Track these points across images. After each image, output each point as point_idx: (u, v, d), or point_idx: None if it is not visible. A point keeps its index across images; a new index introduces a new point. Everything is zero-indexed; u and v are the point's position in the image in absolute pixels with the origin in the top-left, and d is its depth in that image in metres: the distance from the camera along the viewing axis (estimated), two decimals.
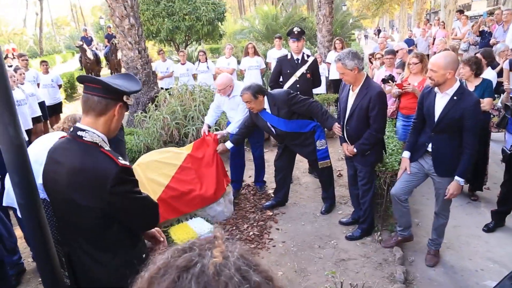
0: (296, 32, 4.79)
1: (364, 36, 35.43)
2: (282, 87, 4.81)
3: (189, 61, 9.12)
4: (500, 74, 5.68)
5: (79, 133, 1.67)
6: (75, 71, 15.00)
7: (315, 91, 5.54)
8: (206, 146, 4.32)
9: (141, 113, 6.36)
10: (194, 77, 8.59)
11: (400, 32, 30.79)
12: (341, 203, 4.43)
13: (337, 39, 8.52)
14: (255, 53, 8.01)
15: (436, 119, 3.06)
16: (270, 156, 5.88)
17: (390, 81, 4.92)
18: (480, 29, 9.35)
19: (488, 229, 3.86)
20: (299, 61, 4.88)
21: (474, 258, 3.50)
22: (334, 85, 8.37)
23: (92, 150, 1.64)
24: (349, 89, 3.54)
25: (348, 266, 3.32)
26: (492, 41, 7.85)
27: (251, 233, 3.88)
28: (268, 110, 4.02)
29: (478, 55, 4.52)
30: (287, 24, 15.44)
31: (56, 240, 1.99)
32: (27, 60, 7.66)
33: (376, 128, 3.42)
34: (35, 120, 6.12)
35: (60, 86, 8.31)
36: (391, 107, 5.19)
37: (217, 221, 4.10)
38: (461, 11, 11.63)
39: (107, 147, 1.69)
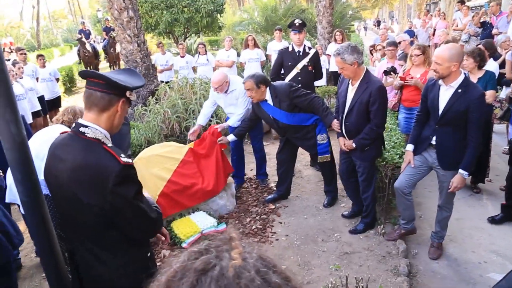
0: (297, 24, 4.74)
1: (364, 27, 35.25)
2: (284, 80, 4.78)
3: (188, 54, 9.05)
4: (502, 65, 5.64)
5: (81, 129, 1.64)
6: (74, 64, 14.90)
7: (316, 83, 5.50)
8: (207, 140, 4.30)
9: (141, 106, 6.32)
10: (194, 70, 8.54)
11: (400, 23, 30.66)
12: (343, 196, 4.41)
13: (337, 31, 8.45)
14: (255, 45, 7.95)
15: (440, 112, 3.04)
16: (271, 149, 5.87)
17: (392, 73, 4.89)
18: (482, 20, 9.28)
19: (493, 220, 3.84)
20: (301, 53, 4.84)
21: (478, 251, 3.50)
22: (335, 77, 8.32)
23: (94, 147, 1.62)
24: (348, 83, 3.49)
25: (351, 260, 3.32)
26: (494, 31, 7.79)
27: (254, 226, 3.87)
28: (270, 102, 4.00)
29: (480, 46, 4.48)
30: (287, 16, 15.31)
31: (59, 236, 1.97)
32: (25, 54, 7.59)
33: (377, 123, 3.38)
34: (35, 114, 6.09)
35: (57, 80, 8.25)
36: (392, 99, 5.16)
37: (219, 215, 4.09)
38: (462, 2, 11.53)
39: (109, 144, 1.66)
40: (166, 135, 5.66)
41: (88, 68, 13.10)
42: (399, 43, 6.02)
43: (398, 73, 4.78)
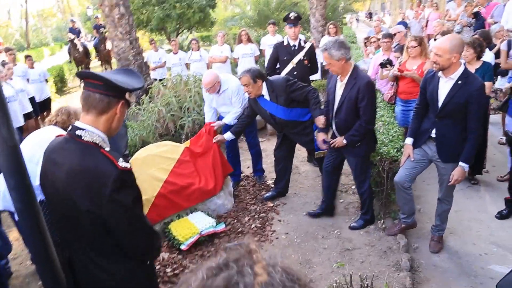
0: (292, 18, 4.68)
1: (356, 19, 35.12)
2: (279, 75, 4.72)
3: (181, 50, 8.95)
4: (496, 55, 5.62)
5: (78, 132, 1.59)
6: (64, 64, 14.71)
7: (311, 77, 5.45)
8: (201, 138, 4.23)
9: (135, 105, 6.23)
10: (187, 66, 8.44)
11: (392, 14, 30.56)
12: (341, 191, 4.39)
13: (330, 24, 8.38)
14: (249, 40, 7.87)
15: (440, 104, 3.00)
16: (267, 145, 5.82)
17: (388, 65, 4.85)
18: (474, 11, 9.25)
19: (502, 216, 3.80)
20: (296, 48, 4.78)
21: (478, 243, 3.49)
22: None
23: (91, 151, 1.56)
24: (337, 79, 3.45)
25: (353, 256, 3.30)
26: (489, 20, 7.76)
27: (253, 225, 3.83)
28: (267, 97, 3.95)
29: (477, 36, 4.44)
30: (279, 10, 15.19)
31: (55, 243, 1.92)
32: (14, 54, 7.44)
33: (366, 120, 3.35)
34: (26, 116, 5.96)
35: (46, 80, 8.12)
36: (388, 92, 5.12)
37: (218, 215, 4.04)
38: None
39: (107, 148, 1.60)
40: (161, 134, 5.59)
41: (80, 68, 12.93)
42: (394, 34, 5.98)
43: (394, 65, 4.74)
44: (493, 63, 4.68)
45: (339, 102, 3.41)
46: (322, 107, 3.84)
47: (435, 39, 5.51)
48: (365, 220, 3.70)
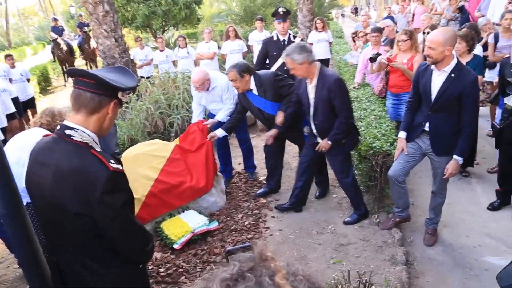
0: (281, 13, 4.63)
1: (341, 14, 35.26)
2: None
3: (167, 48, 8.82)
4: (483, 48, 5.66)
5: (67, 131, 1.51)
6: (48, 63, 14.39)
7: None
8: (195, 136, 4.16)
9: (122, 104, 6.11)
10: (174, 63, 8.32)
11: (377, 9, 30.78)
12: (334, 186, 4.36)
13: (318, 19, 8.35)
14: (236, 36, 7.80)
15: (433, 97, 2.99)
16: (258, 141, 5.77)
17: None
18: (459, 6, 9.33)
19: (493, 207, 3.81)
20: (286, 43, 4.74)
21: (471, 235, 3.51)
22: None
23: (81, 151, 1.49)
24: (306, 83, 3.46)
25: (348, 251, 3.28)
26: (477, 14, 7.82)
27: (246, 222, 3.78)
28: (255, 91, 3.90)
29: (468, 29, 4.45)
30: (265, 6, 15.13)
31: (42, 247, 1.83)
32: None
33: (345, 116, 3.36)
34: (9, 117, 5.78)
35: (28, 80, 7.92)
36: (378, 85, 5.12)
37: (210, 212, 3.98)
38: None
39: (98, 148, 1.53)
40: (150, 132, 5.49)
41: (64, 67, 12.67)
42: (383, 29, 5.97)
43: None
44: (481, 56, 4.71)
45: (314, 105, 3.43)
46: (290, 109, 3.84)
47: (423, 33, 5.52)
48: (359, 214, 3.69)
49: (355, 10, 35.71)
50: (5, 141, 4.12)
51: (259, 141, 5.76)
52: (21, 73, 7.57)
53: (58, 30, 13.48)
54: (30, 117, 7.41)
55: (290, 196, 3.99)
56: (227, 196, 4.34)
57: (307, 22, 9.75)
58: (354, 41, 8.22)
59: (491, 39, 5.43)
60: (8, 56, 7.70)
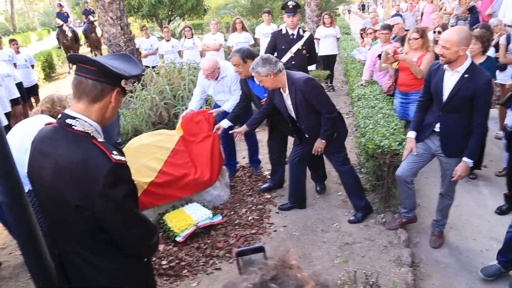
0: (291, 6, 4.55)
1: (348, 11, 34.99)
2: None
3: (172, 38, 8.74)
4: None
5: (68, 121, 1.44)
6: (53, 49, 14.30)
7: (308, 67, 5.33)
8: (200, 126, 4.09)
9: (127, 93, 6.06)
10: (180, 54, 8.26)
11: (385, 7, 30.48)
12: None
13: (326, 14, 8.26)
14: (243, 28, 7.73)
15: (445, 98, 2.92)
16: (263, 136, 5.69)
17: None
18: (469, 6, 9.21)
19: (501, 211, 3.76)
20: (295, 37, 4.66)
21: (478, 238, 3.46)
22: (324, 62, 8.17)
23: (82, 141, 1.42)
24: (281, 92, 3.47)
25: (353, 250, 3.23)
26: (489, 11, 7.71)
27: (250, 217, 3.73)
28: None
29: (483, 30, 4.35)
30: None
31: (44, 236, 1.79)
32: (0, 37, 7.17)
33: (326, 111, 3.35)
34: (13, 102, 5.74)
35: (32, 66, 7.86)
36: (387, 82, 5.05)
37: (214, 206, 3.94)
38: None
39: (100, 139, 1.47)
40: (154, 122, 5.44)
41: (69, 54, 12.59)
42: (392, 26, 5.88)
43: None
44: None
45: (294, 111, 3.45)
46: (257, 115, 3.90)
47: (434, 32, 5.43)
48: (363, 211, 3.63)
49: (362, 7, 35.39)
50: (8, 127, 4.08)
51: (264, 135, 5.67)
52: (25, 58, 7.52)
53: (63, 17, 13.38)
54: (34, 104, 7.36)
55: (288, 195, 3.95)
56: (231, 190, 4.30)
57: (315, 17, 9.62)
58: (362, 38, 8.13)
59: (503, 41, 5.35)
60: (12, 41, 7.63)
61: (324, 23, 8.10)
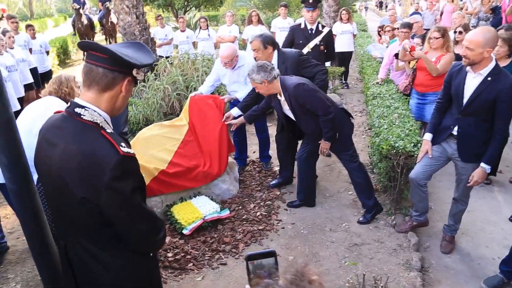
0: (311, 1, 4.45)
1: (365, 7, 34.52)
2: None
3: (188, 28, 8.70)
4: None
5: (77, 110, 1.40)
6: (68, 36, 14.39)
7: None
8: (209, 111, 4.03)
9: (140, 82, 6.04)
10: (194, 45, 8.22)
11: (402, 5, 29.96)
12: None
13: (343, 10, 8.12)
14: (259, 21, 7.64)
15: (465, 100, 2.83)
16: (274, 130, 5.64)
17: None
18: (492, 7, 8.96)
19: None
20: (313, 32, 4.57)
21: (491, 245, 3.37)
22: (339, 58, 8.04)
23: (91, 132, 1.38)
24: (279, 98, 3.48)
25: (361, 252, 3.17)
26: (508, 11, 7.50)
27: (258, 213, 3.69)
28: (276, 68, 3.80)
29: (502, 31, 4.22)
30: None
31: (51, 227, 1.76)
32: (17, 22, 7.19)
33: (322, 114, 3.31)
34: (27, 87, 5.77)
35: (47, 52, 7.89)
36: (404, 81, 4.94)
37: (222, 200, 3.91)
38: None
39: (109, 130, 1.42)
40: (166, 113, 5.42)
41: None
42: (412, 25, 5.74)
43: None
44: None
45: (294, 115, 3.46)
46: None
47: (455, 32, 5.29)
48: (370, 206, 3.56)
49: (380, 4, 34.86)
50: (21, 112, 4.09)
51: (275, 130, 5.63)
52: (40, 44, 7.55)
53: (80, 3, 13.43)
54: None
55: (297, 192, 3.90)
56: (240, 184, 4.26)
57: (332, 13, 9.50)
58: (380, 36, 7.98)
59: None
60: (29, 27, 7.66)
61: (341, 19, 7.97)
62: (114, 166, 1.32)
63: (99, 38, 14.68)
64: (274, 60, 3.79)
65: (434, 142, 3.11)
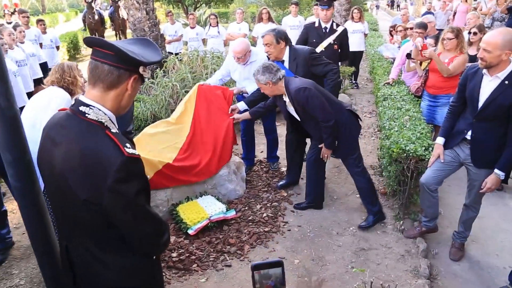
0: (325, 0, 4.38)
1: (376, 6, 34.18)
2: None
3: (197, 25, 8.66)
4: None
5: (82, 108, 1.36)
6: (78, 31, 14.45)
7: None
8: (215, 101, 3.98)
9: (148, 79, 6.02)
10: (204, 42, 8.19)
11: (414, 4, 29.60)
12: None
13: (355, 9, 8.01)
14: (269, 19, 7.56)
15: (480, 104, 2.75)
16: (283, 130, 5.59)
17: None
18: (508, 6, 8.78)
19: None
20: (327, 30, 4.50)
21: (502, 254, 3.29)
22: (350, 58, 7.93)
23: (95, 131, 1.34)
24: (284, 99, 3.47)
25: (368, 257, 3.12)
26: None
27: (264, 214, 3.65)
28: (286, 64, 3.76)
29: None
30: None
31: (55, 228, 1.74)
32: (28, 17, 7.22)
33: (322, 120, 3.27)
34: (36, 82, 5.79)
35: (58, 47, 7.91)
36: (416, 82, 4.84)
37: (228, 200, 3.87)
38: None
39: (114, 129, 1.38)
40: (174, 110, 5.38)
41: (94, 36, 12.68)
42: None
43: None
44: None
45: (299, 117, 3.46)
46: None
47: (469, 33, 5.18)
48: (374, 213, 3.49)
49: (392, 3, 34.49)
50: None
51: (284, 130, 5.58)
52: (51, 39, 7.58)
53: None
54: None
55: (305, 194, 3.85)
56: (247, 184, 4.22)
57: (343, 11, 9.39)
58: (391, 35, 7.86)
59: None
60: (40, 21, 7.69)
61: (352, 18, 7.87)
62: (118, 168, 1.28)
63: (109, 33, 14.72)
64: (286, 56, 3.74)
65: (446, 146, 3.04)
